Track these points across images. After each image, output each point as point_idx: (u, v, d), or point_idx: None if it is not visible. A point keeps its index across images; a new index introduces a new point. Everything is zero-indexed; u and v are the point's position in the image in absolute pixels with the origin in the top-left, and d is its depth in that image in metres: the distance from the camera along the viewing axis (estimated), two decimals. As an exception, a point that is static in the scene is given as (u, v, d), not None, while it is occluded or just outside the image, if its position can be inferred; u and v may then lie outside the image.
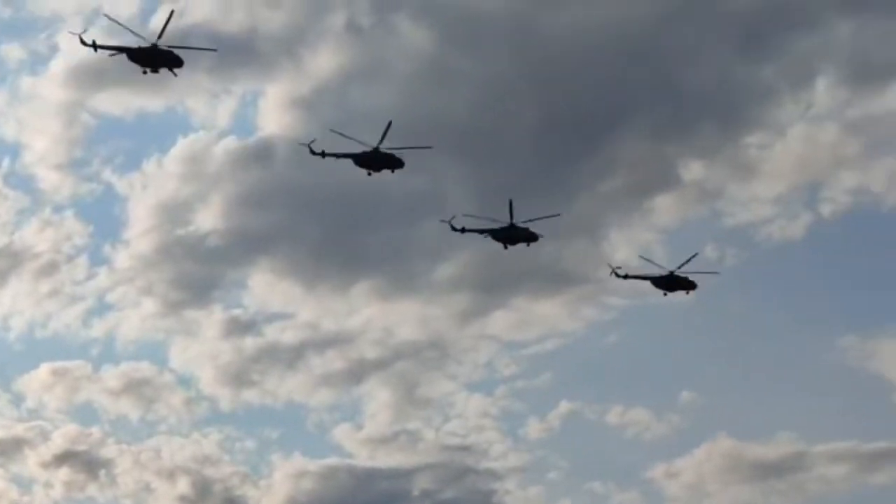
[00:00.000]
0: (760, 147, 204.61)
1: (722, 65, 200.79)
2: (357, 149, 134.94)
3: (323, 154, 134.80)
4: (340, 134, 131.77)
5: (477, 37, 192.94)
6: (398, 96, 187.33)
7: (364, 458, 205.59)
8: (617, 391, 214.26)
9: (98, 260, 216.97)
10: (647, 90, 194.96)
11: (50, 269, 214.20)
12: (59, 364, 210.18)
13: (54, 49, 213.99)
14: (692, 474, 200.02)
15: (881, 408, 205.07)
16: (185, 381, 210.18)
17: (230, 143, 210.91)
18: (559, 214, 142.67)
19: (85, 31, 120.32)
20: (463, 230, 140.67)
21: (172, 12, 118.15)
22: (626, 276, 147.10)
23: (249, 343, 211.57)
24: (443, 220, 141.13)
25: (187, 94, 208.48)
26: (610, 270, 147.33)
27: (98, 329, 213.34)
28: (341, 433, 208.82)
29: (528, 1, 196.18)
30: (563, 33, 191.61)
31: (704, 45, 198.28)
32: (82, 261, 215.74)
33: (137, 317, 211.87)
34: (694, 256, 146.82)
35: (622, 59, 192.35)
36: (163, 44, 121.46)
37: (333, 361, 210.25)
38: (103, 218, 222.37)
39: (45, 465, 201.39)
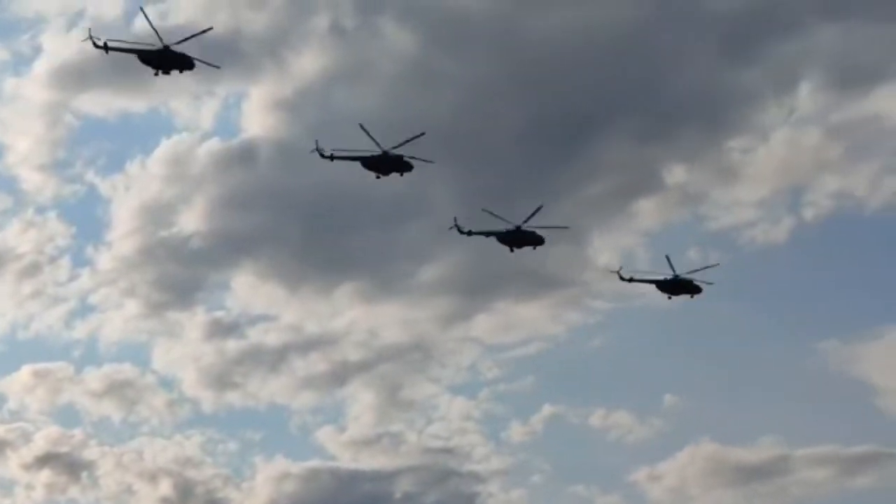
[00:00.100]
0: (744, 151, 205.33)
1: (706, 69, 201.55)
2: (366, 152, 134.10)
3: (332, 157, 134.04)
4: (364, 130, 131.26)
5: (461, 39, 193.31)
6: (382, 98, 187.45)
7: (347, 461, 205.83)
8: (600, 394, 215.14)
9: (81, 261, 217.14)
10: (631, 94, 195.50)
11: (32, 270, 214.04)
12: (41, 366, 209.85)
13: (38, 50, 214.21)
14: (675, 478, 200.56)
15: (863, 412, 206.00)
16: (167, 383, 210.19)
17: (213, 144, 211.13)
18: (567, 227, 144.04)
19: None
20: (469, 233, 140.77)
21: (210, 28, 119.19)
22: (630, 280, 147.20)
23: (232, 345, 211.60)
24: (451, 227, 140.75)
25: (171, 95, 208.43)
26: (615, 273, 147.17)
27: (80, 330, 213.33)
28: (324, 435, 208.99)
29: (512, 4, 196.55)
30: (548, 36, 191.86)
31: (688, 49, 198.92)
32: (65, 262, 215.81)
33: (120, 318, 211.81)
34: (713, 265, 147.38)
35: (606, 63, 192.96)
36: (173, 45, 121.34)
37: (316, 363, 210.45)
38: (86, 219, 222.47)
39: (27, 467, 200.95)
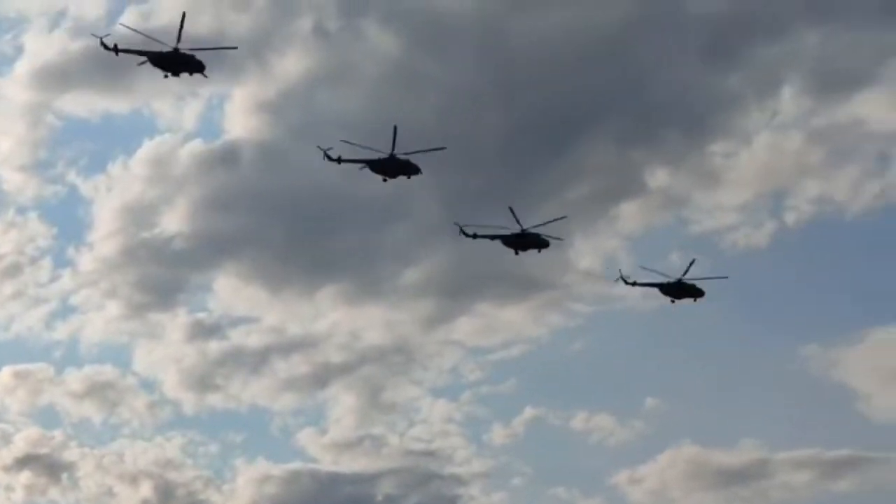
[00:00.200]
0: (726, 155, 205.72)
1: (688, 72, 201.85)
2: (373, 154, 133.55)
3: (339, 160, 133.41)
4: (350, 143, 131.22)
5: (444, 42, 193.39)
6: (365, 100, 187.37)
7: (328, 463, 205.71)
8: (582, 397, 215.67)
9: (62, 262, 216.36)
10: (614, 97, 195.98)
11: (13, 270, 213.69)
12: (21, 367, 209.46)
13: (20, 50, 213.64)
14: (656, 480, 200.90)
15: (843, 416, 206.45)
16: (148, 385, 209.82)
17: (196, 145, 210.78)
18: (565, 217, 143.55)
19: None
20: (475, 236, 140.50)
21: (183, 14, 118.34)
22: (634, 284, 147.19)
23: (214, 347, 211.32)
24: (455, 224, 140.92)
25: (153, 96, 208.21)
26: (618, 277, 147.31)
27: (61, 331, 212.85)
28: (305, 437, 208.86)
29: (495, 7, 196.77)
30: (531, 40, 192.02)
31: (671, 53, 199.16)
32: (46, 263, 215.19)
33: (101, 319, 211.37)
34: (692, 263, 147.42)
35: (589, 66, 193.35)
36: (183, 48, 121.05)
37: (298, 366, 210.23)
38: (67, 220, 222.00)
39: (7, 469, 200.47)
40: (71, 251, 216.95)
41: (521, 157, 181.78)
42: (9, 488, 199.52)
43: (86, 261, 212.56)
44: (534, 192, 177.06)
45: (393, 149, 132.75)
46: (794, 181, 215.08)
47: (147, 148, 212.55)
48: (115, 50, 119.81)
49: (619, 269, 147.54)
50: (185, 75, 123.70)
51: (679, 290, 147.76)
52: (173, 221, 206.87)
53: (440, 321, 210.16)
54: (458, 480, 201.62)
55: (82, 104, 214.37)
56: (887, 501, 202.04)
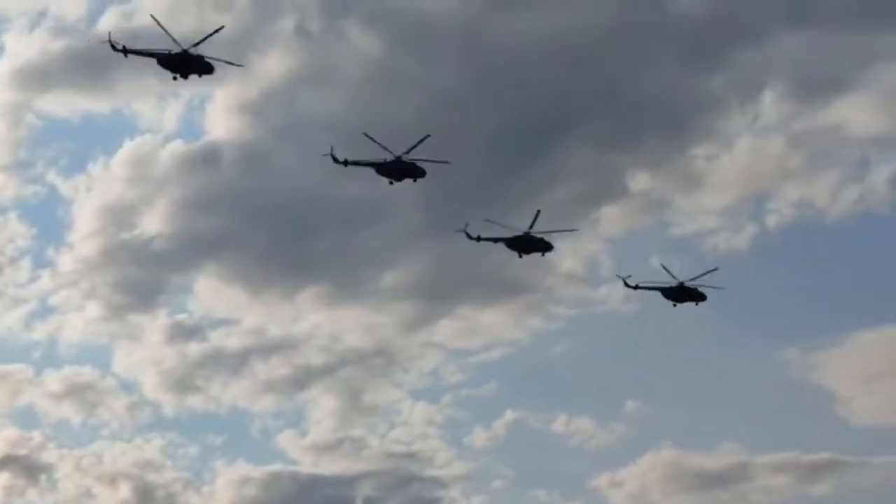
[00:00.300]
0: (707, 158, 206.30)
1: (670, 76, 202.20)
2: (379, 157, 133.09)
3: (346, 162, 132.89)
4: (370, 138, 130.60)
5: (426, 44, 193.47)
6: (347, 102, 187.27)
7: (308, 465, 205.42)
8: (562, 400, 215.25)
9: (41, 262, 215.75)
10: (596, 100, 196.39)
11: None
12: (0, 367, 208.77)
13: (0, 50, 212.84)
14: (636, 483, 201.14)
15: (823, 419, 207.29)
16: (127, 386, 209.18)
17: (177, 146, 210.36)
18: (576, 230, 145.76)
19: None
20: (479, 238, 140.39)
21: (222, 27, 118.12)
22: (636, 287, 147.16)
23: (194, 348, 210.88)
24: (458, 230, 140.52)
25: (134, 96, 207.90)
26: (621, 280, 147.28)
27: (40, 332, 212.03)
28: (285, 440, 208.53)
29: (477, 10, 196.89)
30: (513, 42, 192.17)
31: (653, 56, 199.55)
32: (25, 263, 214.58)
33: (80, 320, 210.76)
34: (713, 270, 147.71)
35: (571, 69, 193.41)
36: (193, 50, 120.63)
37: (278, 368, 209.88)
38: (47, 220, 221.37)
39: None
40: (51, 251, 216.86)
41: (502, 160, 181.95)
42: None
43: (65, 261, 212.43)
44: (515, 194, 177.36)
45: (408, 153, 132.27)
46: (774, 185, 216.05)
47: (127, 148, 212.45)
48: (124, 51, 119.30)
49: (624, 273, 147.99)
50: (193, 77, 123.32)
51: (681, 293, 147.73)
52: (153, 222, 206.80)
53: (421, 324, 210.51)
54: (439, 483, 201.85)
55: (63, 104, 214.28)
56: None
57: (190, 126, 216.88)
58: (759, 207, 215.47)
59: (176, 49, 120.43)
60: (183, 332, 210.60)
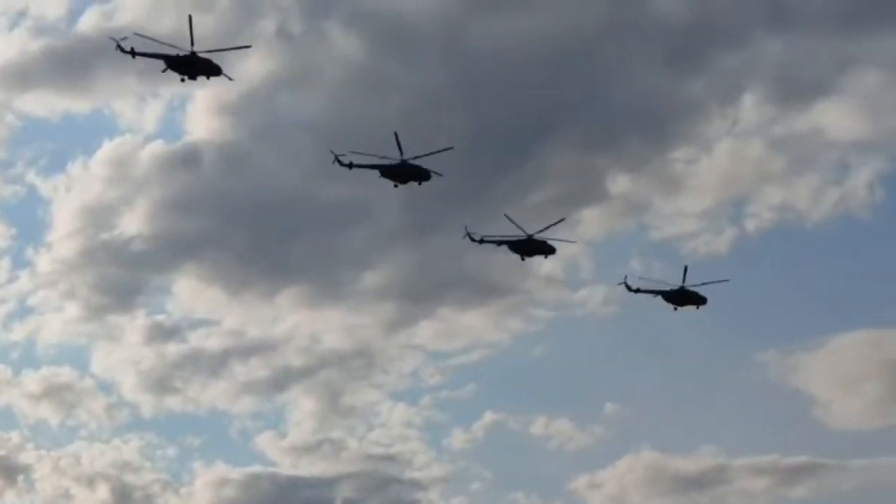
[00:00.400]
0: (687, 162, 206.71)
1: (651, 79, 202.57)
2: (384, 160, 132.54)
3: (350, 165, 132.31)
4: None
5: (407, 46, 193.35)
6: (328, 103, 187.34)
7: (287, 467, 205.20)
8: (541, 402, 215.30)
9: (20, 263, 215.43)
10: (576, 103, 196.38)
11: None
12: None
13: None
14: (615, 486, 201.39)
15: (801, 422, 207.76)
16: (106, 387, 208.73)
17: (157, 147, 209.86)
18: (574, 242, 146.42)
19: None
20: (481, 240, 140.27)
21: (249, 46, 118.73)
22: (637, 291, 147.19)
23: (173, 349, 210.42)
24: (464, 236, 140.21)
25: (114, 96, 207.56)
26: (621, 283, 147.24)
27: (18, 332, 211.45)
28: (264, 441, 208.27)
29: (459, 12, 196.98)
30: (494, 45, 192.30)
31: (633, 60, 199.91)
32: (4, 263, 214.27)
33: (59, 321, 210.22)
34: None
35: (552, 72, 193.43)
36: (199, 51, 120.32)
37: (258, 369, 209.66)
38: (26, 220, 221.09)
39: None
40: (29, 252, 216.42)
41: (483, 162, 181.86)
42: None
43: (44, 261, 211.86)
44: (495, 196, 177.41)
45: (402, 155, 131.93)
46: (754, 189, 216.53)
47: (107, 148, 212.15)
48: (132, 53, 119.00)
49: (625, 276, 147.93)
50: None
51: (682, 297, 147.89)
52: (133, 223, 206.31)
53: (401, 325, 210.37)
54: (418, 485, 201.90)
55: (42, 104, 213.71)
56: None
57: (170, 126, 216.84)
58: (739, 211, 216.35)
59: (183, 52, 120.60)
60: (162, 333, 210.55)
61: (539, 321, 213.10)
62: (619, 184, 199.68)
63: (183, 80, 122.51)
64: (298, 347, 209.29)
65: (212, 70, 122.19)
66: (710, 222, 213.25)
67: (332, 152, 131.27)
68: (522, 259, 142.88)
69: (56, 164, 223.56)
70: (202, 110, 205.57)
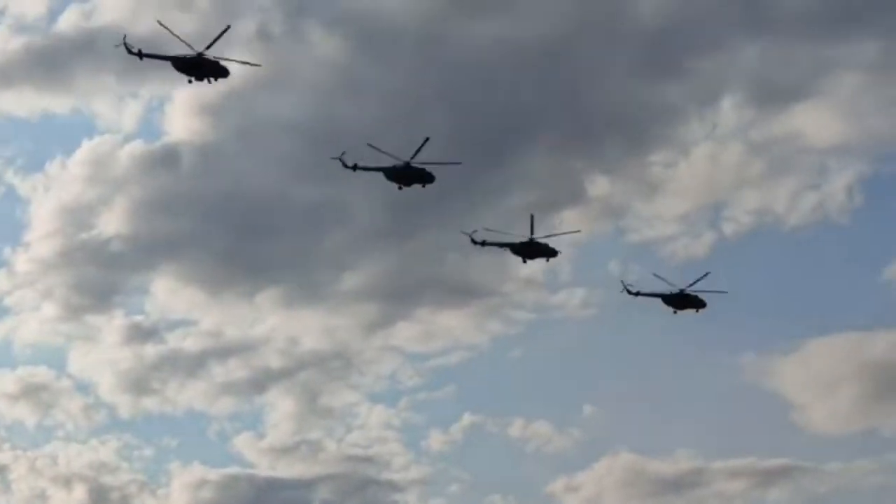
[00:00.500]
0: (666, 165, 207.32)
1: (629, 83, 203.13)
2: (389, 163, 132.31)
3: (355, 167, 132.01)
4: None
5: (387, 47, 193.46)
6: (307, 104, 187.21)
7: (265, 468, 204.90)
8: (519, 405, 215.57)
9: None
10: (555, 106, 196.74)
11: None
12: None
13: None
14: (592, 488, 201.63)
15: (778, 425, 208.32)
16: (83, 388, 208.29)
17: (136, 146, 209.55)
18: (579, 231, 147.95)
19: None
20: (483, 243, 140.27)
21: (228, 27, 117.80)
22: (637, 294, 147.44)
23: (150, 350, 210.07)
24: (463, 233, 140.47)
25: (93, 96, 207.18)
26: (621, 287, 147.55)
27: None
28: (242, 442, 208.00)
29: (438, 15, 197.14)
30: (473, 48, 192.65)
31: (612, 63, 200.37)
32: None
33: (36, 321, 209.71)
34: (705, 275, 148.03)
35: (531, 75, 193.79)
36: (208, 53, 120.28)
37: (236, 370, 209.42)
38: (4, 220, 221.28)
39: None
40: (7, 251, 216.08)
41: (462, 165, 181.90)
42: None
43: (22, 261, 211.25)
44: (475, 199, 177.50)
45: (413, 157, 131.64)
46: (733, 192, 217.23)
47: (86, 148, 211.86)
48: (140, 54, 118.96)
49: (623, 279, 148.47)
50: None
51: (682, 300, 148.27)
52: (111, 223, 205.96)
53: (379, 326, 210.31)
54: (395, 487, 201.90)
55: (21, 103, 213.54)
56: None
57: (149, 127, 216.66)
58: (717, 214, 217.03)
59: (191, 53, 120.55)
60: (140, 334, 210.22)
61: (518, 323, 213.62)
62: (598, 187, 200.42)
63: (190, 81, 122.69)
64: (277, 348, 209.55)
65: (219, 72, 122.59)
66: (688, 226, 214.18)
67: (340, 156, 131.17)
68: (524, 261, 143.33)
69: (34, 164, 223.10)
70: (181, 110, 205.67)
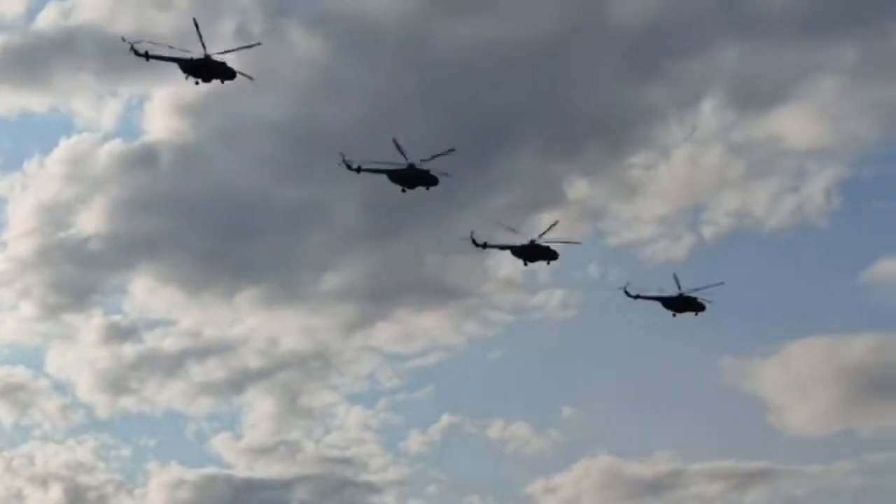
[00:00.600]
0: (645, 167, 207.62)
1: (609, 85, 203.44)
2: (392, 165, 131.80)
3: (359, 169, 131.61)
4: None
5: (369, 48, 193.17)
6: (288, 105, 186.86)
7: (243, 469, 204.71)
8: (498, 406, 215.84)
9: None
10: (536, 108, 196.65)
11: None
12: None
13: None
14: (571, 490, 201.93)
15: (757, 428, 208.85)
16: (60, 387, 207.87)
17: (115, 145, 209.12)
18: (580, 243, 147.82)
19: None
20: (485, 245, 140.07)
21: (194, 20, 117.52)
22: (637, 297, 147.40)
23: (129, 349, 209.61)
24: (462, 238, 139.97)
25: (72, 94, 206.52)
26: (622, 289, 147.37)
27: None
28: (220, 442, 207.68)
29: (421, 16, 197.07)
30: (455, 50, 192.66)
31: (592, 65, 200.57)
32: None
33: (14, 320, 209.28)
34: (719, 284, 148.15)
35: (511, 77, 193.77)
36: (213, 54, 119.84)
37: (215, 370, 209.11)
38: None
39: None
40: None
41: (443, 166, 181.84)
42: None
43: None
44: (454, 200, 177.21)
45: (408, 160, 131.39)
46: (712, 195, 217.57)
47: (64, 147, 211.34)
48: (146, 56, 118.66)
49: (626, 282, 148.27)
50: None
51: (682, 303, 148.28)
52: (90, 222, 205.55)
53: (358, 327, 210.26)
54: (373, 488, 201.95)
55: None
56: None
57: (128, 126, 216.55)
58: (697, 217, 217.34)
59: (197, 55, 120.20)
60: (118, 333, 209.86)
61: (496, 324, 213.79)
62: (578, 189, 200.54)
63: (197, 82, 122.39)
64: (256, 348, 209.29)
65: (226, 73, 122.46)
66: (667, 228, 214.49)
67: (340, 154, 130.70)
68: (525, 264, 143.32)
69: (12, 162, 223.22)
70: (160, 110, 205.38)
